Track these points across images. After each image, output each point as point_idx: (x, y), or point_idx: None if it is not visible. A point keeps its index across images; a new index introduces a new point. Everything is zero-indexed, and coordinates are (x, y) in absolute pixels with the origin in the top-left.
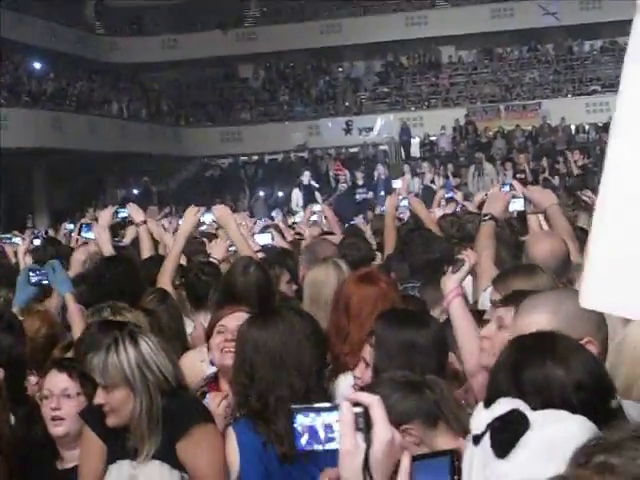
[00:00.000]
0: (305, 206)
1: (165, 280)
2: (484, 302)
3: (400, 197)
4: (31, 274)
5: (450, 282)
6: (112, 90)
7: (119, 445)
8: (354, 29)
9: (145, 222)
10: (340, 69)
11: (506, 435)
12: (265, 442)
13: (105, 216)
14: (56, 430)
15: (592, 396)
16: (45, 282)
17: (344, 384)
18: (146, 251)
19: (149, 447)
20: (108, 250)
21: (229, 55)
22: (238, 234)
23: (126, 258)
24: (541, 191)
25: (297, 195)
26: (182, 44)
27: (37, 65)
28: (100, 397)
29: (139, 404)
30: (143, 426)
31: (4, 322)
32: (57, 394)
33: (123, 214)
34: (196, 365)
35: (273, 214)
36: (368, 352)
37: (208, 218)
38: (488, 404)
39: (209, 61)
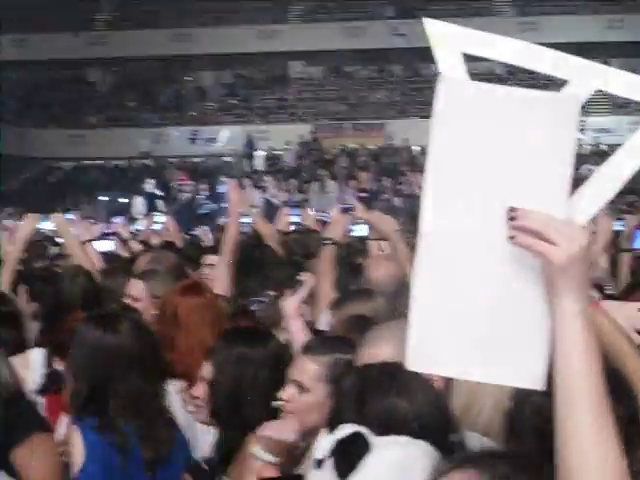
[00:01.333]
0: (147, 214)
1: (4, 284)
2: (321, 324)
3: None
4: None
5: (290, 303)
6: None
7: None
8: (205, 39)
9: None
10: (188, 78)
11: (347, 457)
12: (111, 443)
13: None
14: None
15: (433, 428)
16: None
17: (172, 389)
18: None
19: None
20: None
21: (78, 58)
22: (74, 242)
23: None
24: (382, 217)
25: (139, 202)
26: (31, 44)
27: None
28: None
29: None
30: None
31: None
32: None
33: None
34: (19, 372)
35: (117, 220)
36: (206, 371)
37: (46, 225)
38: (331, 429)
39: (57, 63)
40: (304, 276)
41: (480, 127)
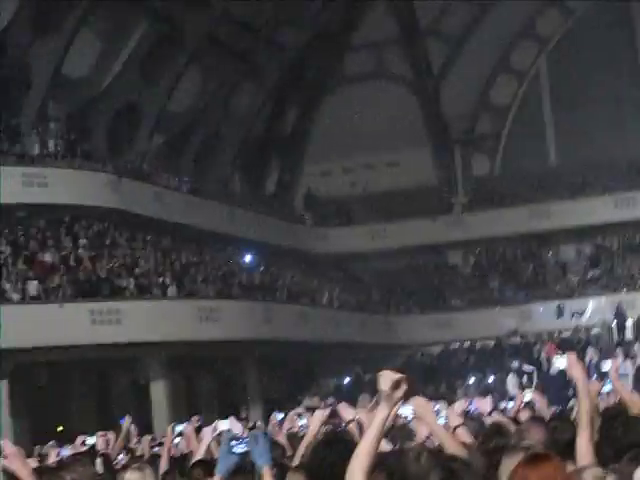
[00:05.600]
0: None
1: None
2: None
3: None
4: (233, 442)
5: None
6: (322, 280)
7: None
8: (562, 213)
9: (353, 420)
10: (550, 253)
11: None
12: None
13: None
14: None
15: None
16: (246, 451)
17: None
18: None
19: None
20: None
21: (438, 242)
22: (436, 426)
23: (343, 442)
24: None
25: (512, 380)
26: (390, 233)
27: (248, 257)
28: None
29: None
30: None
31: None
32: None
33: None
34: None
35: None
36: None
37: (407, 410)
38: None
39: (418, 249)
40: None
41: None
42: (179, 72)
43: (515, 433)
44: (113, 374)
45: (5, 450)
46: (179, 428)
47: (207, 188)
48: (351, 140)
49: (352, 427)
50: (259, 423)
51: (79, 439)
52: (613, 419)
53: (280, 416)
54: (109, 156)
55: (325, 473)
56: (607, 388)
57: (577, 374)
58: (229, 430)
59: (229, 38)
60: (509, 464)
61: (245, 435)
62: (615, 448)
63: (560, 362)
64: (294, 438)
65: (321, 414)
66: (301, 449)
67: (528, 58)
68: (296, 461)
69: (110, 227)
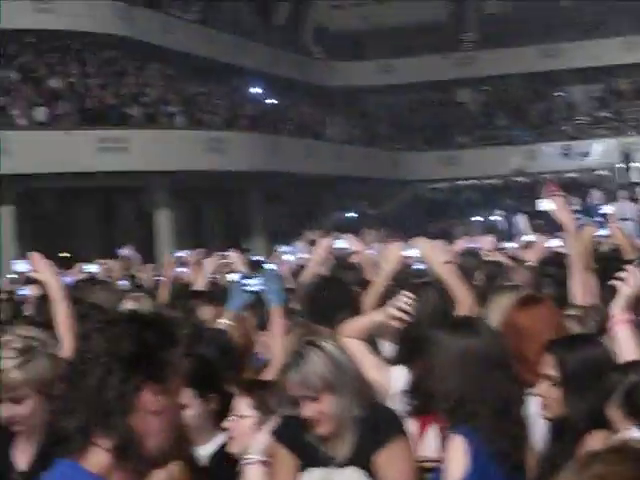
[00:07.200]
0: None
1: (369, 306)
2: None
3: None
4: (246, 281)
5: (613, 307)
6: (329, 114)
7: (311, 455)
8: (573, 53)
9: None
10: (558, 94)
11: None
12: (490, 454)
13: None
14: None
15: None
16: (260, 289)
17: (532, 404)
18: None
19: (346, 453)
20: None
21: (447, 79)
22: (442, 267)
23: (341, 280)
24: None
25: (521, 220)
26: (400, 68)
27: (255, 89)
28: (309, 409)
29: (344, 410)
30: (345, 432)
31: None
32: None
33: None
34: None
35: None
36: (550, 367)
37: (413, 252)
38: None
39: (427, 85)
40: (621, 275)
41: None
42: None
43: (503, 273)
44: (118, 202)
45: (35, 261)
46: (179, 255)
47: (216, 18)
48: None
49: (360, 258)
50: (261, 258)
51: (77, 267)
52: (609, 262)
53: (284, 248)
54: None
55: (321, 310)
56: (604, 231)
57: (564, 218)
58: (234, 263)
59: None
60: (497, 303)
61: (257, 273)
62: (611, 292)
63: (544, 204)
64: (298, 269)
65: (327, 242)
66: (306, 278)
67: None
68: (298, 294)
69: (119, 55)
